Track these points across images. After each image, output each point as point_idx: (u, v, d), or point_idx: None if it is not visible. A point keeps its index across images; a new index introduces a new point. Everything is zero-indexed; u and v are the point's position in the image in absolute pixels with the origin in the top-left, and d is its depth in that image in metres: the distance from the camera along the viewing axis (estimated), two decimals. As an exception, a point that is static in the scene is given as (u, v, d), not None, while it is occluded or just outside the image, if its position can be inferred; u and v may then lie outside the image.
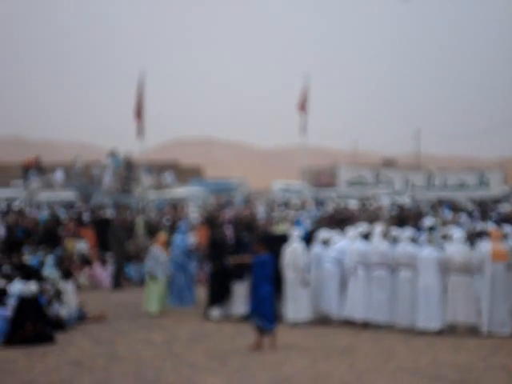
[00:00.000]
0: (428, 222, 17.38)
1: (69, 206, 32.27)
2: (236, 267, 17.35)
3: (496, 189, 23.02)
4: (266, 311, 14.26)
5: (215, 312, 17.74)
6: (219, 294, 17.65)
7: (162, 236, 19.46)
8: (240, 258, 15.73)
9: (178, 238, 20.43)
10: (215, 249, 18.30)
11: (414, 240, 16.41)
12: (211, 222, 26.58)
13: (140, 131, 25.49)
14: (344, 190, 24.03)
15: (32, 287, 15.80)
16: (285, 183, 57.32)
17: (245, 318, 16.87)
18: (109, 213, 28.89)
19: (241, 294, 17.43)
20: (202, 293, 19.34)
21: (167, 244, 19.57)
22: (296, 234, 17.20)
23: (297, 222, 25.45)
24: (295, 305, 16.71)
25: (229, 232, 18.62)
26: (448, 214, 26.35)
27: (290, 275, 16.81)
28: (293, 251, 16.84)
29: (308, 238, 17.64)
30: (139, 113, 25.26)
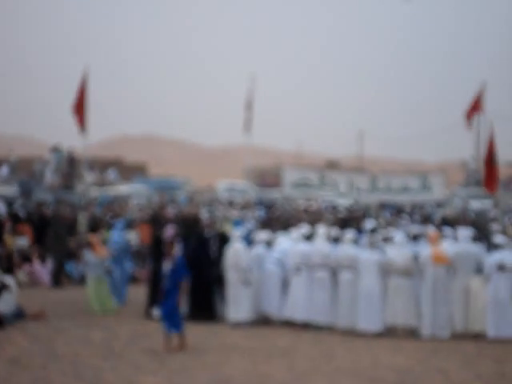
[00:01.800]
0: (369, 224, 17.53)
1: (8, 201, 31.72)
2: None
3: (438, 192, 23.29)
4: (173, 315, 14.02)
5: (157, 311, 17.62)
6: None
7: (93, 237, 19.22)
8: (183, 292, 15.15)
9: (114, 235, 20.26)
10: (158, 248, 18.16)
11: (355, 242, 16.55)
12: (155, 220, 26.40)
13: (81, 126, 24.95)
14: (289, 192, 24.05)
15: None
16: (229, 183, 57.35)
17: (187, 317, 16.86)
18: (49, 209, 28.51)
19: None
20: (141, 291, 19.18)
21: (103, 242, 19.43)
22: (237, 234, 17.21)
23: (236, 223, 25.37)
24: (236, 305, 16.69)
25: (171, 231, 18.45)
26: (389, 217, 26.64)
27: (231, 275, 16.79)
28: (235, 252, 16.83)
29: (251, 239, 17.67)
30: (79, 107, 24.78)
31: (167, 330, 14.13)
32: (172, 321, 14.06)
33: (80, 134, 24.46)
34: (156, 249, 18.20)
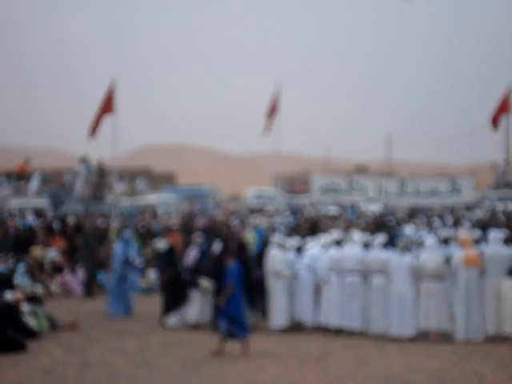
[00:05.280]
0: (409, 229, 17.39)
1: (39, 213, 32.00)
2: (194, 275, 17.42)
3: (468, 195, 23.15)
4: (239, 318, 14.26)
5: (171, 320, 17.61)
6: (175, 302, 17.52)
7: None
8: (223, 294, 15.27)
9: (118, 246, 19.95)
10: (170, 257, 18.09)
11: (386, 246, 16.47)
12: (185, 228, 26.51)
13: (92, 132, 24.72)
14: (317, 197, 24.00)
15: (8, 296, 15.73)
16: (258, 190, 57.40)
17: (212, 326, 16.93)
18: (80, 220, 28.72)
19: (197, 301, 17.38)
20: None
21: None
22: (276, 240, 17.22)
23: (258, 230, 25.30)
24: (276, 312, 16.77)
25: (199, 239, 18.48)
26: (424, 221, 26.49)
27: (271, 282, 16.86)
28: (272, 258, 16.88)
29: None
30: (99, 116, 24.63)
31: (229, 336, 14.21)
32: (237, 325, 14.17)
33: (88, 139, 24.40)
34: (169, 258, 18.10)
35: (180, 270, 17.68)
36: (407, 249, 16.12)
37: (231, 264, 14.55)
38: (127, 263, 19.61)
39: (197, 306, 17.36)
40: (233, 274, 14.40)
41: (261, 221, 29.62)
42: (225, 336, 14.26)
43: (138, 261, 20.04)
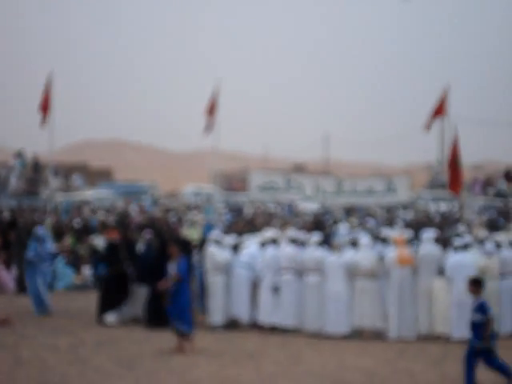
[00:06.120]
0: (343, 227, 17.55)
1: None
2: (137, 271, 17.38)
3: (403, 195, 23.41)
4: (185, 314, 14.22)
5: (110, 317, 17.46)
6: (115, 299, 17.42)
7: None
8: (165, 283, 15.16)
9: (32, 244, 19.41)
10: (113, 252, 17.92)
11: (321, 245, 16.62)
12: (121, 224, 26.34)
13: (47, 129, 24.93)
14: (256, 195, 24.04)
15: None
16: (196, 187, 57.31)
17: (147, 321, 16.87)
18: (14, 215, 28.29)
19: (140, 297, 17.32)
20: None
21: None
22: (213, 238, 17.25)
23: (207, 227, 25.38)
24: (216, 309, 16.80)
25: (148, 236, 18.38)
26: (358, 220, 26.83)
27: (212, 279, 16.87)
28: (211, 255, 16.89)
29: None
30: (45, 111, 24.71)
31: (179, 332, 14.20)
32: (183, 321, 14.14)
33: (40, 126, 24.45)
34: (111, 255, 17.90)
35: (124, 267, 17.56)
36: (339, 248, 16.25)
37: (179, 260, 14.39)
38: (39, 261, 19.19)
39: (141, 302, 17.27)
40: (182, 269, 14.26)
41: (199, 218, 29.61)
42: (178, 334, 14.22)
43: (49, 257, 19.51)
